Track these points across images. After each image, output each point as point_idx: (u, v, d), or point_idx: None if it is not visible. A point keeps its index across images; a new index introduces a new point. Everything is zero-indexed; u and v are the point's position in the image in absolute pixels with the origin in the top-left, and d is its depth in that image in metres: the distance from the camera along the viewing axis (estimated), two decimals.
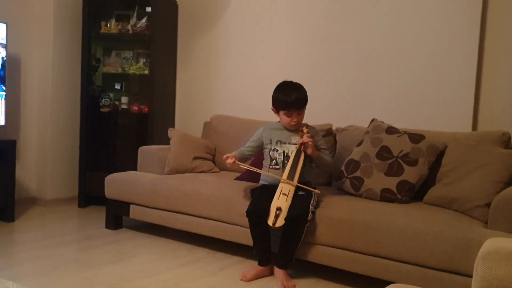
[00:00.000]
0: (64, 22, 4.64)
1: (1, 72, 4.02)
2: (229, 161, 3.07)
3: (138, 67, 4.69)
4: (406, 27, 3.69)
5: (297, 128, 3.11)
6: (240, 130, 4.13)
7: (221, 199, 3.27)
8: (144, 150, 4.01)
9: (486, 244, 1.46)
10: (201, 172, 3.98)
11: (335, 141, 3.73)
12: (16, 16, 4.49)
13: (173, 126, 4.95)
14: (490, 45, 3.42)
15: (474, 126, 3.45)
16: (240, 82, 4.57)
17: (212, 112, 4.63)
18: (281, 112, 3.11)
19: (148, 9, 4.58)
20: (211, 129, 4.40)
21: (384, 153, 3.18)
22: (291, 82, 3.15)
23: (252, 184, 3.36)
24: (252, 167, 3.15)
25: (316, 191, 2.96)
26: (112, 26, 4.69)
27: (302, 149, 3.03)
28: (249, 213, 2.92)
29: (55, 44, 4.57)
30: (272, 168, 3.13)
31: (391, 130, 3.28)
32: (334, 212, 2.86)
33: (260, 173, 3.21)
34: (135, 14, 4.69)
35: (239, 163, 3.09)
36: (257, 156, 3.51)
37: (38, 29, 4.61)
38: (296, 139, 3.10)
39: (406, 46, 3.68)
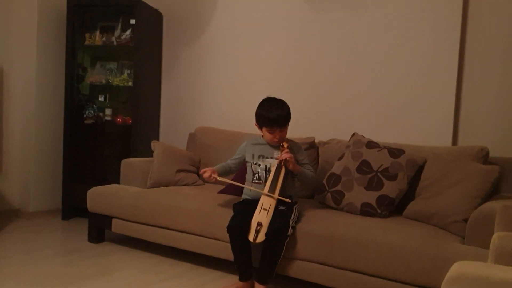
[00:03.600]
0: (48, 33, 4.64)
1: None
2: (206, 175, 3.09)
3: (122, 78, 4.69)
4: (387, 43, 3.72)
5: (279, 144, 3.13)
6: (225, 142, 4.14)
7: (203, 213, 3.27)
8: (127, 163, 4.01)
9: (454, 268, 1.48)
10: (185, 185, 3.98)
11: (318, 154, 3.76)
12: None
13: (158, 138, 4.96)
14: (469, 60, 3.46)
15: (454, 140, 3.48)
16: (225, 94, 4.59)
17: (197, 124, 4.64)
18: (264, 129, 3.12)
19: (133, 21, 4.58)
20: (196, 141, 4.41)
21: (364, 167, 3.21)
22: (274, 99, 3.16)
23: (235, 198, 3.37)
24: (231, 181, 3.16)
25: (288, 200, 2.96)
26: (96, 38, 4.69)
27: (282, 164, 3.04)
28: (230, 228, 2.92)
29: (39, 55, 4.57)
30: (254, 183, 3.15)
31: (371, 145, 3.31)
32: (314, 227, 2.87)
33: (243, 187, 3.23)
34: (119, 26, 4.70)
35: (217, 176, 3.10)
36: (240, 170, 3.53)
37: (21, 40, 4.59)
38: (278, 154, 3.11)
39: (387, 61, 3.72)
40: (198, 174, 4.18)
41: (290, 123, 3.15)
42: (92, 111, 4.69)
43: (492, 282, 1.32)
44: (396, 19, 3.68)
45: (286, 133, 3.13)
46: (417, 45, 3.60)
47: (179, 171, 4.00)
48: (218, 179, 3.11)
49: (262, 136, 3.21)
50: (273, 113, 3.03)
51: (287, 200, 2.96)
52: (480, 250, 2.40)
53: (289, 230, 2.85)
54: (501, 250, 1.64)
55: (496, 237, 1.68)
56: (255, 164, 3.17)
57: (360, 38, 3.84)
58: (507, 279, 1.32)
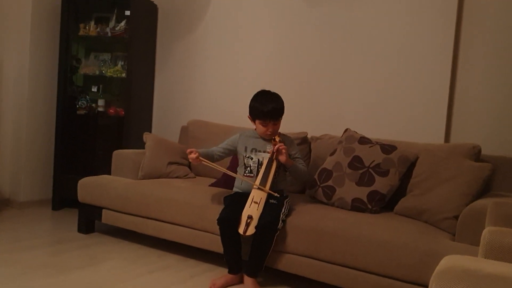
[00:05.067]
0: (42, 23, 4.60)
1: None
2: (192, 155, 3.00)
3: (115, 70, 4.66)
4: (381, 39, 3.71)
5: (271, 137, 3.12)
6: (217, 136, 4.11)
7: (193, 206, 3.26)
8: (119, 154, 3.98)
9: (443, 262, 1.47)
10: (176, 177, 3.96)
11: (310, 150, 3.75)
12: None
13: (150, 130, 4.93)
14: (464, 56, 3.46)
15: (447, 137, 3.48)
16: (218, 88, 4.57)
17: (189, 117, 4.63)
18: (257, 122, 3.11)
19: (127, 13, 4.56)
20: (188, 134, 4.39)
21: (356, 163, 3.20)
22: (268, 92, 3.15)
23: (226, 191, 3.35)
24: (216, 165, 3.07)
25: (276, 194, 2.95)
26: (91, 29, 4.66)
27: (274, 157, 3.03)
28: (220, 221, 2.91)
29: (33, 45, 4.53)
30: (246, 176, 3.13)
31: (363, 141, 3.30)
32: (304, 221, 2.86)
33: (234, 180, 3.22)
34: (114, 17, 4.67)
35: (202, 159, 3.03)
36: (231, 163, 3.53)
37: (15, 29, 4.55)
38: (271, 147, 3.10)
39: (381, 57, 3.71)
40: (189, 167, 4.16)
41: (283, 118, 3.14)
42: (85, 102, 4.66)
43: (481, 276, 1.32)
44: (390, 14, 3.67)
45: (279, 127, 3.12)
46: (411, 41, 3.59)
47: (170, 163, 3.98)
48: (203, 162, 3.03)
49: (255, 129, 3.20)
50: (267, 106, 3.03)
51: (276, 194, 2.95)
52: (471, 247, 2.40)
53: (279, 224, 2.84)
54: (491, 245, 1.63)
55: (487, 232, 1.67)
56: (248, 157, 3.16)
57: (354, 33, 3.83)
58: (497, 273, 1.32)
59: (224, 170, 3.13)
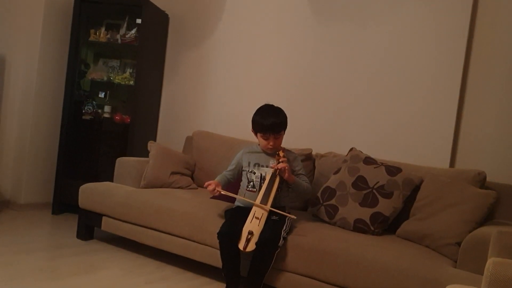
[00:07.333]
0: (53, 26, 4.61)
1: None
2: (210, 188, 3.04)
3: (124, 77, 4.66)
4: (389, 61, 3.72)
5: (274, 152, 3.10)
6: (221, 148, 4.12)
7: (194, 217, 3.23)
8: (122, 161, 3.96)
9: None
10: (178, 187, 3.94)
11: (314, 167, 3.73)
12: (4, 16, 4.47)
13: (155, 139, 4.93)
14: (472, 82, 3.45)
15: (452, 162, 3.46)
16: (225, 100, 4.57)
17: (195, 128, 4.62)
18: (259, 135, 3.11)
19: (139, 21, 4.57)
20: (192, 145, 4.38)
21: (360, 183, 3.18)
22: (271, 106, 3.15)
23: (227, 204, 3.33)
24: (232, 194, 3.11)
25: (292, 216, 2.94)
26: (101, 35, 4.67)
27: (277, 173, 3.01)
28: (220, 235, 2.88)
29: (42, 47, 4.53)
30: (248, 191, 3.12)
31: (368, 161, 3.28)
32: (306, 239, 2.83)
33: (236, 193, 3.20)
34: (125, 25, 4.68)
35: (221, 190, 3.06)
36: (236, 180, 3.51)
37: (25, 31, 4.56)
38: (274, 162, 3.08)
39: (390, 79, 3.71)
40: (192, 178, 4.15)
41: (288, 133, 3.13)
42: (91, 107, 4.66)
43: None
44: (401, 36, 3.67)
45: (281, 141, 3.11)
46: (421, 64, 3.59)
47: (173, 173, 3.96)
48: (222, 193, 3.07)
49: (259, 144, 3.19)
50: (268, 120, 3.02)
51: (287, 214, 2.93)
52: (472, 275, 2.38)
53: (280, 241, 2.81)
54: (496, 277, 1.60)
55: (491, 263, 1.65)
56: (250, 172, 3.14)
57: (363, 53, 3.83)
58: None
59: (243, 198, 3.11)
